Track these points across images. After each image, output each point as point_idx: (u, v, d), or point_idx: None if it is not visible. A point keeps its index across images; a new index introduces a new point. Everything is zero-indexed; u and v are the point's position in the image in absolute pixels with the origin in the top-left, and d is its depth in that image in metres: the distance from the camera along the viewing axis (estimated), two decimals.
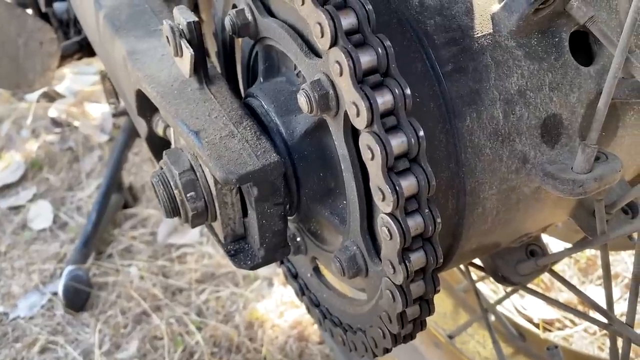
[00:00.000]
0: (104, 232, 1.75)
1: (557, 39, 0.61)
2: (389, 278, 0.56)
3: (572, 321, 1.41)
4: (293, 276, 0.87)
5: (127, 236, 1.76)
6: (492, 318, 1.03)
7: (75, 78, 2.66)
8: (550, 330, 1.38)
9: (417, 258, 0.53)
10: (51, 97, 2.53)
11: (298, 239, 0.78)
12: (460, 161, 0.58)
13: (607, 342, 1.35)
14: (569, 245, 0.93)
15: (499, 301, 0.99)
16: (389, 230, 0.52)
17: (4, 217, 1.94)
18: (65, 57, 1.48)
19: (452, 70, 0.57)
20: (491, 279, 1.45)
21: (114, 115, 1.77)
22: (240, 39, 0.76)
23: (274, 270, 1.62)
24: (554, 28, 0.61)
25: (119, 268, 1.65)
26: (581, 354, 0.99)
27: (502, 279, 0.76)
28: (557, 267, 1.55)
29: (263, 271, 1.61)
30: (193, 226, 0.68)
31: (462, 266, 1.01)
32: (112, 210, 1.79)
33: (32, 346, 1.48)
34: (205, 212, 0.66)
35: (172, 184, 0.65)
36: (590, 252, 1.58)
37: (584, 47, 0.66)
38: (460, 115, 0.57)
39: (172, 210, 0.66)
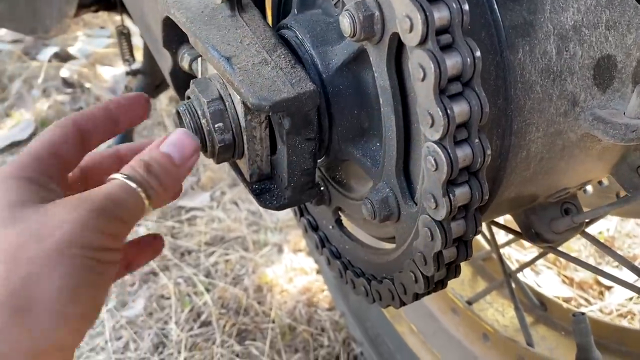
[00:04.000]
0: None
1: None
2: (429, 214, 0.53)
3: (587, 300, 1.38)
4: (313, 228, 0.84)
5: None
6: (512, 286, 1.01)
7: (88, 40, 2.62)
8: None
9: (461, 193, 0.50)
10: (63, 57, 2.49)
11: (322, 189, 0.75)
12: (510, 97, 0.55)
13: (624, 322, 1.32)
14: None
15: (522, 267, 0.97)
16: (435, 160, 0.49)
17: None
18: (82, 7, 1.45)
19: None
20: (510, 253, 1.42)
21: (128, 73, 1.73)
22: None
23: (284, 238, 1.60)
24: None
25: None
26: (606, 324, 0.96)
27: (535, 236, 0.73)
28: (573, 247, 1.52)
29: (273, 238, 1.59)
30: (218, 161, 0.65)
31: (486, 231, 0.98)
32: None
33: None
34: (232, 145, 0.63)
35: (199, 113, 0.62)
36: (607, 233, 1.55)
37: None
38: (513, 47, 0.54)
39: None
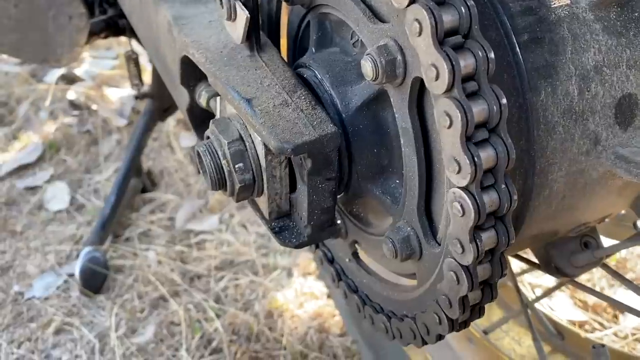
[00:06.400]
0: (122, 215, 1.72)
1: (636, 14, 0.58)
2: (454, 259, 0.52)
3: (601, 324, 1.37)
4: (329, 261, 0.84)
5: (145, 220, 1.73)
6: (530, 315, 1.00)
7: (95, 62, 2.63)
8: None
9: (488, 237, 0.50)
10: (70, 79, 2.51)
11: (338, 222, 0.75)
12: (532, 139, 0.55)
13: (639, 346, 1.31)
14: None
15: (539, 297, 0.96)
16: (461, 206, 0.48)
17: (20, 197, 1.91)
18: (92, 34, 1.46)
19: (527, 41, 0.54)
20: (524, 277, 1.41)
21: (137, 98, 1.74)
22: (289, 8, 0.73)
23: (293, 261, 1.59)
24: (634, 2, 0.58)
25: (136, 252, 1.62)
26: (625, 354, 0.95)
27: (554, 270, 0.72)
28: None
29: (282, 261, 1.58)
30: (238, 200, 0.65)
31: None
32: (130, 194, 1.77)
33: (47, 327, 1.46)
34: (252, 185, 0.63)
35: (220, 153, 0.62)
36: (620, 255, 1.54)
37: None
38: (535, 89, 0.54)
39: (218, 181, 0.63)
